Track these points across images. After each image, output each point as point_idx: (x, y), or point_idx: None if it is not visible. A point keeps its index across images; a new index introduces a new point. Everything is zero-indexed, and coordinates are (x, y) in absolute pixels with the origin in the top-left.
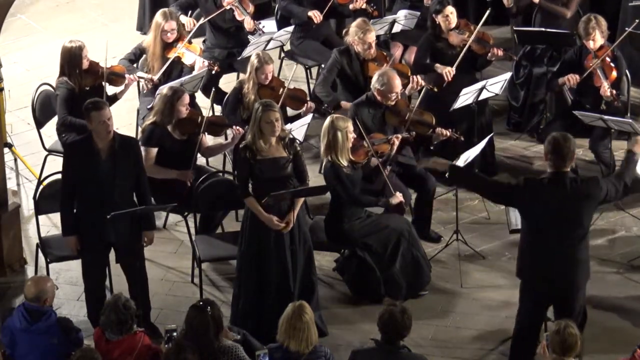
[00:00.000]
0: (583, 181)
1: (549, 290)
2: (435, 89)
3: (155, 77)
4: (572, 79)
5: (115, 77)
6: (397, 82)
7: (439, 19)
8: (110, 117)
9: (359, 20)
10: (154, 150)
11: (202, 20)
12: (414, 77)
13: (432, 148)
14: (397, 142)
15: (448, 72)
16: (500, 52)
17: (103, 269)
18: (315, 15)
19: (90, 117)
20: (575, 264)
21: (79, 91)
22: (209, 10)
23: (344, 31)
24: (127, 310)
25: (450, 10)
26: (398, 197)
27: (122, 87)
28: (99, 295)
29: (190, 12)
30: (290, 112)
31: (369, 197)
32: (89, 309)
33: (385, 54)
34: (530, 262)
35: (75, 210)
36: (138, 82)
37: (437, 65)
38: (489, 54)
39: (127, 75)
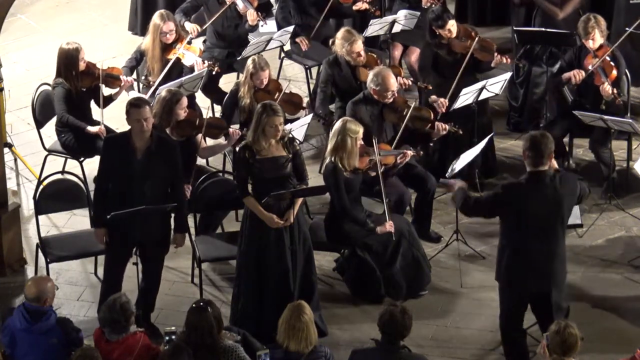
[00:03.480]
0: (562, 178)
1: (530, 288)
2: (430, 87)
3: (157, 81)
4: (578, 74)
5: (112, 79)
6: (393, 81)
7: (440, 31)
8: (148, 117)
9: (343, 31)
10: None
11: (206, 24)
12: (402, 79)
13: (431, 144)
14: (408, 157)
15: (441, 103)
16: (506, 60)
17: (124, 265)
18: (303, 42)
19: (128, 113)
20: (554, 259)
21: (75, 92)
22: (212, 9)
23: (330, 41)
24: (123, 312)
25: (452, 24)
26: (387, 227)
27: (117, 89)
28: (117, 290)
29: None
30: (287, 115)
31: (360, 215)
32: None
33: (375, 56)
34: (511, 262)
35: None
36: (138, 85)
37: (432, 97)
38: (493, 62)
39: (123, 77)
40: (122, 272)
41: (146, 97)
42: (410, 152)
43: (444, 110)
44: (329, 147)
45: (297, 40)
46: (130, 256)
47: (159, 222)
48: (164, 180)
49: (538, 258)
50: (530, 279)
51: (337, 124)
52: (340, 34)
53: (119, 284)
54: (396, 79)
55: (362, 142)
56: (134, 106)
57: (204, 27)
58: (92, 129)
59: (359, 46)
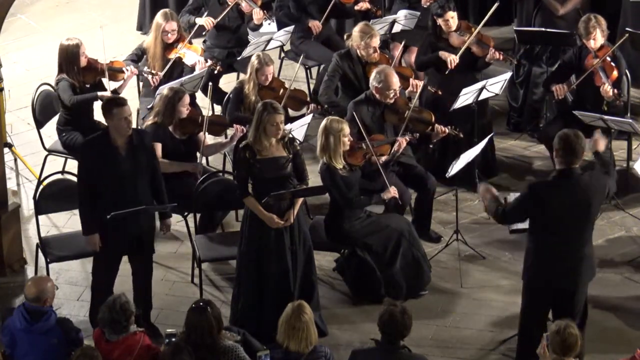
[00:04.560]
0: (592, 175)
1: (554, 286)
2: (440, 92)
3: (161, 74)
4: (560, 90)
5: (115, 72)
6: (395, 80)
7: (440, 21)
8: (131, 114)
9: (362, 25)
10: (159, 145)
11: (214, 23)
12: (414, 81)
13: (431, 146)
14: (403, 144)
15: (452, 59)
16: (499, 56)
17: (118, 267)
18: (315, 26)
19: (112, 113)
20: (581, 259)
21: (79, 88)
22: (213, 9)
23: (345, 35)
24: (123, 312)
25: (451, 15)
26: (391, 192)
27: (121, 82)
28: (107, 294)
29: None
30: (291, 112)
31: (363, 198)
32: (92, 309)
33: (387, 56)
34: (537, 260)
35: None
36: (138, 83)
37: (442, 52)
38: (487, 57)
39: (125, 69)
40: (115, 275)
41: (149, 91)
42: (404, 139)
43: (453, 67)
44: (318, 148)
45: (310, 24)
46: (125, 254)
47: (150, 216)
48: (149, 172)
49: (564, 256)
50: (553, 276)
51: (321, 125)
52: (358, 27)
53: (112, 288)
54: (408, 81)
55: (352, 138)
56: (118, 105)
57: (212, 26)
58: (104, 94)
59: (376, 41)
